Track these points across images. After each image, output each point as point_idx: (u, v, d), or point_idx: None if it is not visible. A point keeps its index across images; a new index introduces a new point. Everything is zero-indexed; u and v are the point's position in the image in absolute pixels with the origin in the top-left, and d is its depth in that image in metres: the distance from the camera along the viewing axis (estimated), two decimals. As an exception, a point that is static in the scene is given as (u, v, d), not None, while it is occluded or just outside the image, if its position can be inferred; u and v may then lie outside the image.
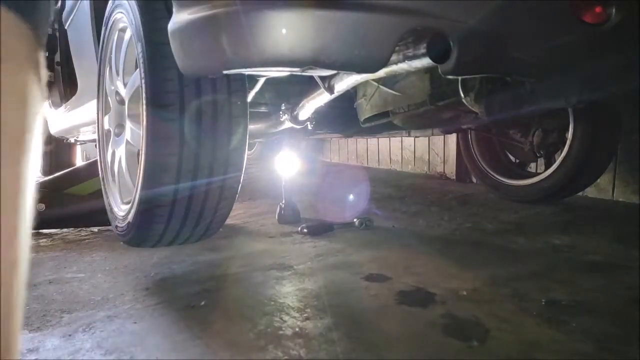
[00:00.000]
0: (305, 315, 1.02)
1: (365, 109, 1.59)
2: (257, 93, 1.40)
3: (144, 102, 1.14)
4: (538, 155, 2.14)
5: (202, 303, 1.11)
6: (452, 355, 0.84)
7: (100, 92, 1.64)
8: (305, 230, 1.73)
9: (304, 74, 0.98)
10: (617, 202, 2.19)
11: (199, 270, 1.36)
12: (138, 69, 1.19)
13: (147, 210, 1.19)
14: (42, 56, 0.38)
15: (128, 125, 1.38)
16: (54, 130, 3.42)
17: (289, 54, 0.86)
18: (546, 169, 2.08)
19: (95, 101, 1.70)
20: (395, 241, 1.63)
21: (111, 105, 1.55)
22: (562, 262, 1.36)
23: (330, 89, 1.19)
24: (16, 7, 0.34)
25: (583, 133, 1.91)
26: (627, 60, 0.93)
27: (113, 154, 1.52)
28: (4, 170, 0.33)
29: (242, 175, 1.27)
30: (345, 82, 1.12)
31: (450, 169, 3.20)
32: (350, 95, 1.67)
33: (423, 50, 0.83)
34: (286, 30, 0.84)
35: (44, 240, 1.81)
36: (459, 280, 1.21)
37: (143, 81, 1.14)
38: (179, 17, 1.02)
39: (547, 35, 0.84)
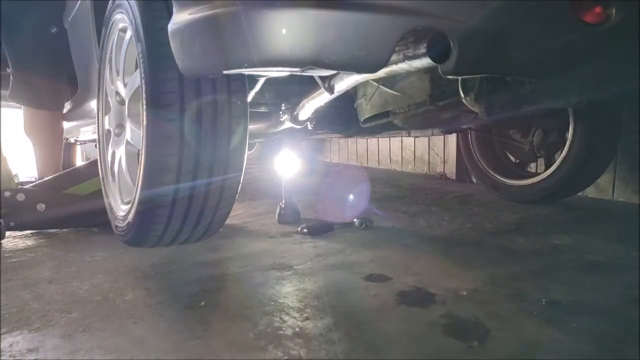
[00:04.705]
0: (305, 315, 1.02)
1: (365, 109, 1.59)
2: (257, 93, 1.40)
3: (144, 102, 1.14)
4: (538, 155, 2.14)
5: (202, 303, 1.11)
6: (452, 356, 0.84)
7: (100, 92, 1.64)
8: (305, 230, 1.73)
9: (304, 74, 0.98)
10: (617, 202, 2.19)
11: (199, 270, 1.36)
12: (138, 69, 1.19)
13: (147, 210, 1.19)
14: None
15: (128, 125, 1.37)
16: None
17: (289, 54, 0.85)
18: (546, 169, 2.08)
19: (95, 101, 1.70)
20: (396, 241, 1.63)
21: (111, 105, 1.55)
22: (563, 262, 1.36)
23: (330, 89, 1.18)
24: None
25: (583, 133, 1.91)
26: (627, 61, 0.93)
27: (113, 154, 1.52)
28: None
29: (242, 175, 1.27)
30: (345, 82, 1.12)
31: (450, 169, 3.20)
32: (350, 95, 1.67)
33: (423, 50, 0.83)
34: (286, 30, 0.84)
35: (44, 240, 1.81)
36: (460, 280, 1.21)
37: (143, 81, 1.14)
38: (179, 17, 1.02)
39: (547, 35, 0.84)
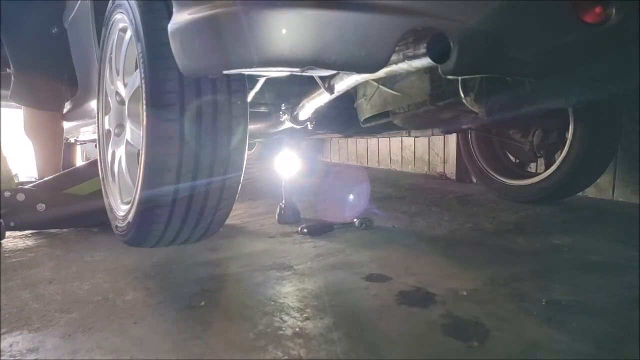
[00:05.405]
0: (305, 315, 1.02)
1: (365, 109, 1.59)
2: (257, 93, 1.40)
3: (144, 102, 1.14)
4: (538, 155, 2.14)
5: (202, 303, 1.11)
6: (452, 355, 0.84)
7: (100, 92, 1.64)
8: (305, 230, 1.73)
9: (304, 74, 0.98)
10: (617, 202, 2.19)
11: (199, 270, 1.36)
12: (138, 69, 1.19)
13: (147, 210, 1.19)
14: None
15: (128, 125, 1.37)
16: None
17: (289, 54, 0.85)
18: (546, 169, 2.08)
19: (95, 101, 1.70)
20: (396, 241, 1.63)
21: (111, 105, 1.55)
22: (562, 262, 1.36)
23: (330, 89, 1.18)
24: None
25: (583, 133, 1.91)
26: (627, 61, 0.93)
27: (113, 154, 1.52)
28: None
29: (242, 175, 1.27)
30: (345, 82, 1.12)
31: (450, 169, 3.20)
32: (350, 95, 1.67)
33: (423, 50, 0.83)
34: (286, 30, 0.84)
35: (44, 240, 1.81)
36: (459, 280, 1.21)
37: (143, 81, 1.14)
38: (179, 17, 1.02)
39: (547, 35, 0.84)
